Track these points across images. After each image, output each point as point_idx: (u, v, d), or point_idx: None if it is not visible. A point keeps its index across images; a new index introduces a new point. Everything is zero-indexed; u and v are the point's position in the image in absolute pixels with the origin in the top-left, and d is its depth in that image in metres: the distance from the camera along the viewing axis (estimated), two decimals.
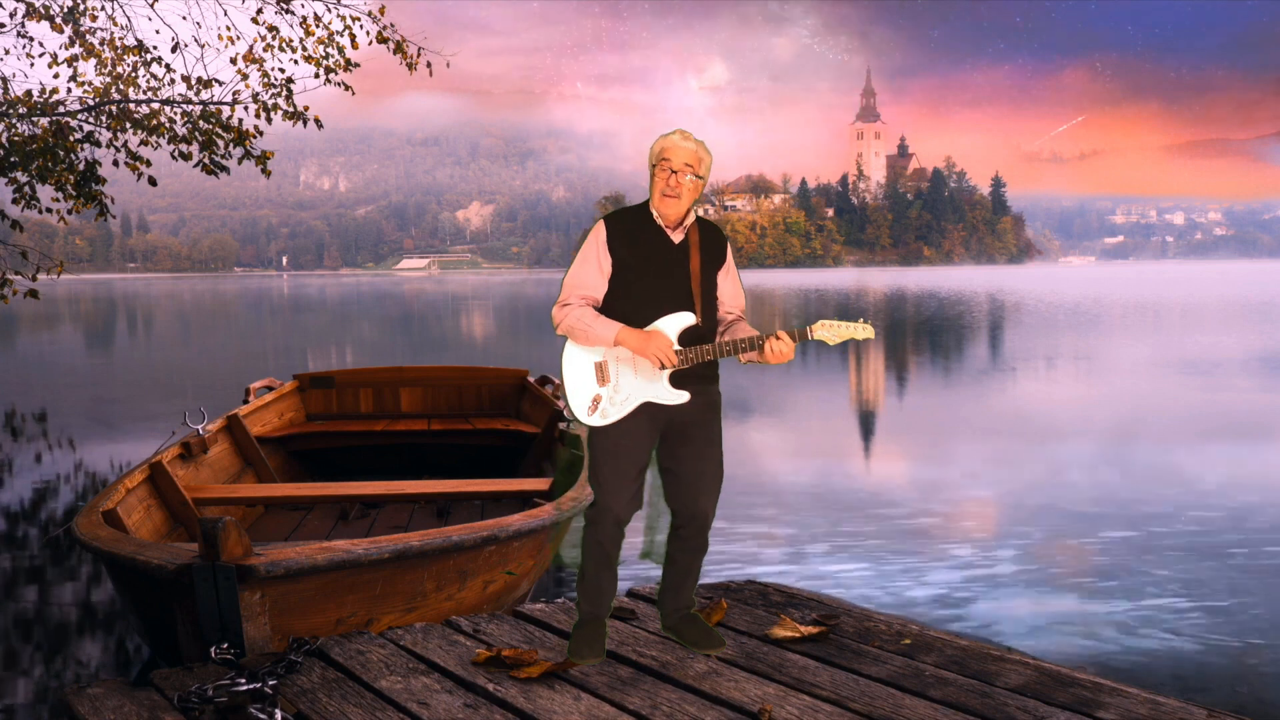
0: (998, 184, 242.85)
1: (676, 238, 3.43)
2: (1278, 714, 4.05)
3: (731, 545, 6.27)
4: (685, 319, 3.39)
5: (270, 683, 3.21)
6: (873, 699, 3.14)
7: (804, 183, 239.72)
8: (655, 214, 3.43)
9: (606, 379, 3.38)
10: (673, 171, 3.36)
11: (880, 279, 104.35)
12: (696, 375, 3.41)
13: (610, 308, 3.41)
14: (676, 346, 3.36)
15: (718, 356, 3.38)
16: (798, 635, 3.66)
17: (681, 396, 3.37)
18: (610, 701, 3.15)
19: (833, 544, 6.39)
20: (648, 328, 3.36)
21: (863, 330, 3.38)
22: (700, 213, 3.54)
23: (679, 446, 3.44)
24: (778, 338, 3.34)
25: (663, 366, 3.34)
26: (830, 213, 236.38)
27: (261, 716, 3.01)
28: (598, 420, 3.38)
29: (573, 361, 3.41)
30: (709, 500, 3.48)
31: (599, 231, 3.43)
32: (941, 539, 6.49)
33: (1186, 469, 8.78)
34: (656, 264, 3.40)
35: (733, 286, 3.54)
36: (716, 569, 5.68)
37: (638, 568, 5.58)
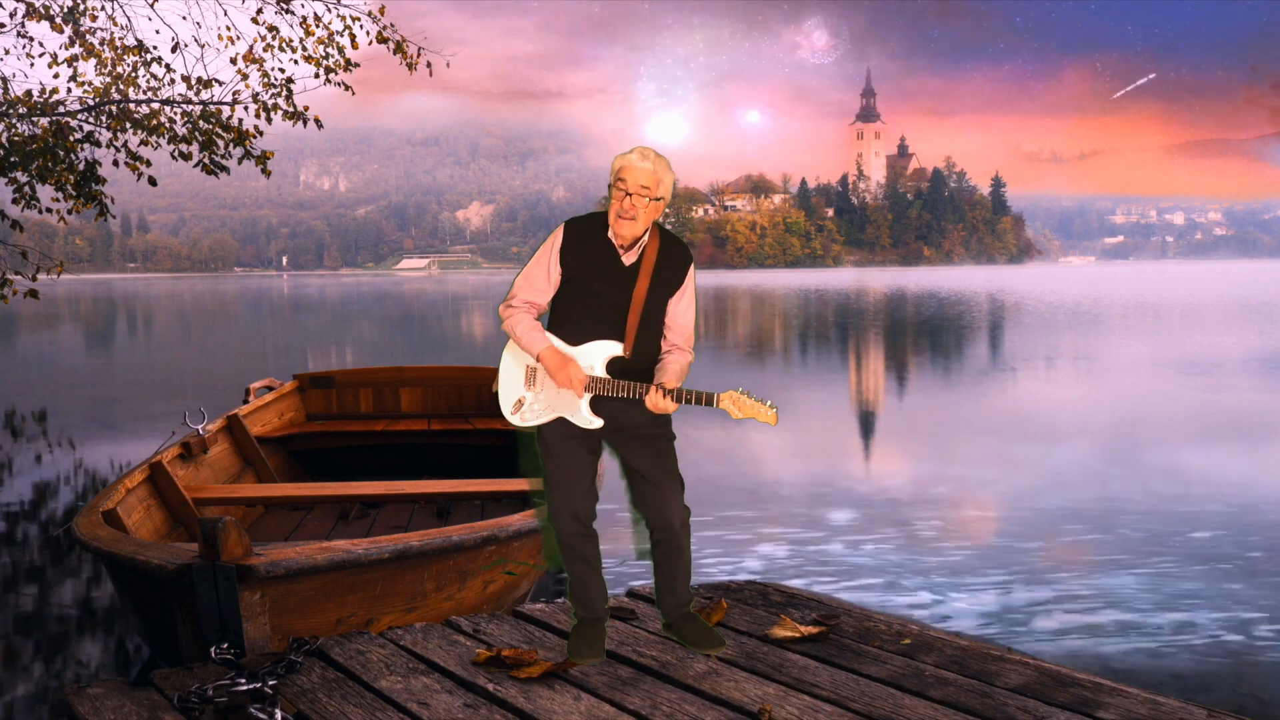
0: (998, 184, 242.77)
1: (628, 259, 3.38)
2: (1278, 714, 4.05)
3: (731, 545, 6.27)
4: (612, 349, 3.37)
5: (270, 683, 3.21)
6: (873, 699, 3.14)
7: (804, 183, 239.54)
8: (611, 232, 3.39)
9: (533, 384, 3.43)
10: (627, 194, 3.30)
11: (880, 279, 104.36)
12: (619, 404, 3.39)
13: (552, 316, 3.44)
14: (601, 375, 3.35)
15: (627, 395, 3.33)
16: (798, 635, 3.66)
17: (594, 423, 3.38)
18: (610, 701, 3.15)
19: (833, 544, 6.38)
20: (576, 349, 3.37)
21: (766, 413, 3.26)
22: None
23: (632, 448, 3.44)
24: (661, 394, 3.26)
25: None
26: (830, 213, 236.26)
27: (261, 716, 3.01)
28: (517, 420, 3.44)
29: (509, 359, 3.49)
30: (675, 504, 3.47)
31: (556, 237, 3.42)
32: (941, 539, 6.49)
33: (1186, 469, 8.78)
34: (600, 285, 3.37)
35: (684, 314, 3.46)
36: (716, 569, 5.68)
37: (638, 568, 5.58)
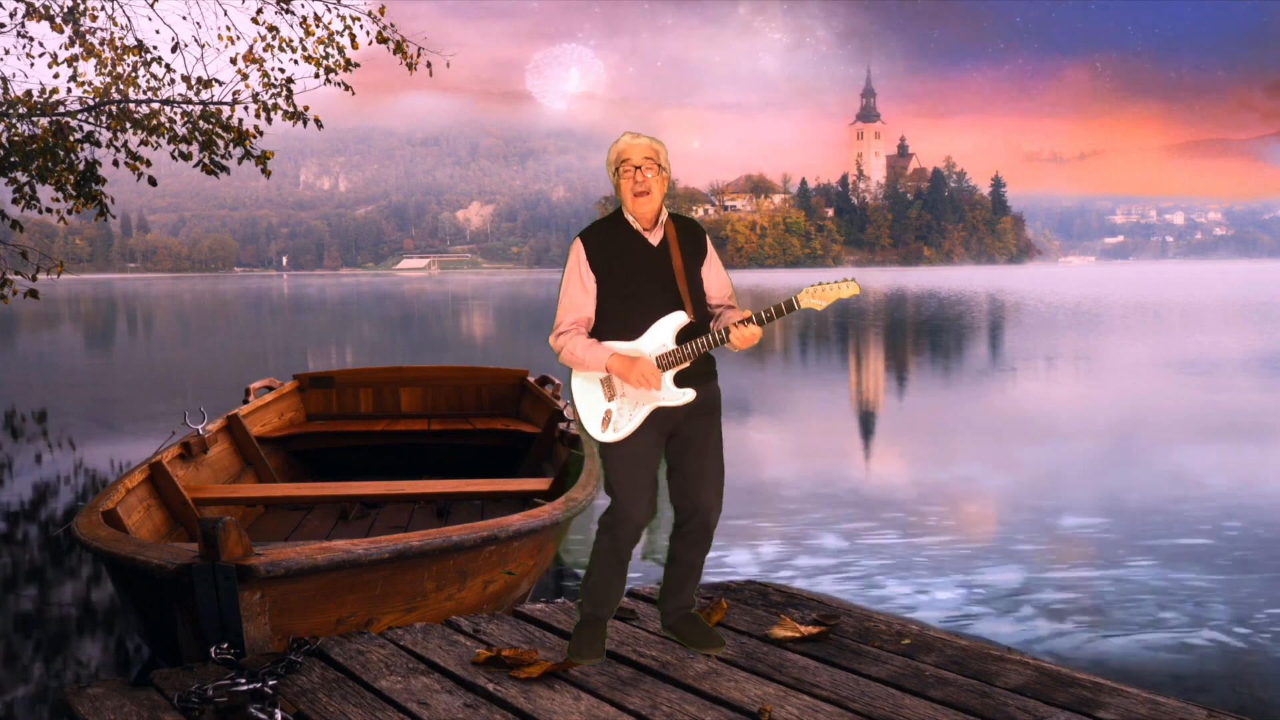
0: (998, 184, 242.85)
1: (654, 239, 3.43)
2: (1278, 714, 4.05)
3: (731, 545, 6.27)
4: (678, 319, 3.39)
5: (270, 683, 3.21)
6: (873, 699, 3.14)
7: (804, 183, 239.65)
8: (630, 219, 3.42)
9: (614, 394, 3.40)
10: (636, 168, 3.36)
11: (880, 279, 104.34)
12: (697, 374, 3.42)
13: (604, 320, 3.42)
14: (671, 346, 3.36)
15: (706, 349, 3.37)
16: (798, 635, 3.66)
17: (687, 395, 3.38)
18: (610, 701, 3.15)
19: (833, 544, 6.39)
20: (642, 338, 3.37)
21: (847, 289, 3.31)
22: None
23: (683, 448, 3.45)
24: (744, 326, 3.31)
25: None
26: (830, 213, 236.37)
27: (261, 716, 3.01)
28: (611, 436, 3.39)
29: (580, 381, 3.45)
30: (713, 495, 3.49)
31: (578, 251, 3.44)
32: (941, 539, 6.49)
33: (1186, 469, 8.78)
34: (640, 269, 3.40)
35: (717, 276, 3.54)
36: (716, 569, 5.68)
37: (637, 568, 5.58)
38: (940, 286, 71.53)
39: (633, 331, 3.39)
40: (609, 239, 3.43)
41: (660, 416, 3.39)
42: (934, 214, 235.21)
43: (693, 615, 3.62)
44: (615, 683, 3.29)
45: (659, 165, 3.39)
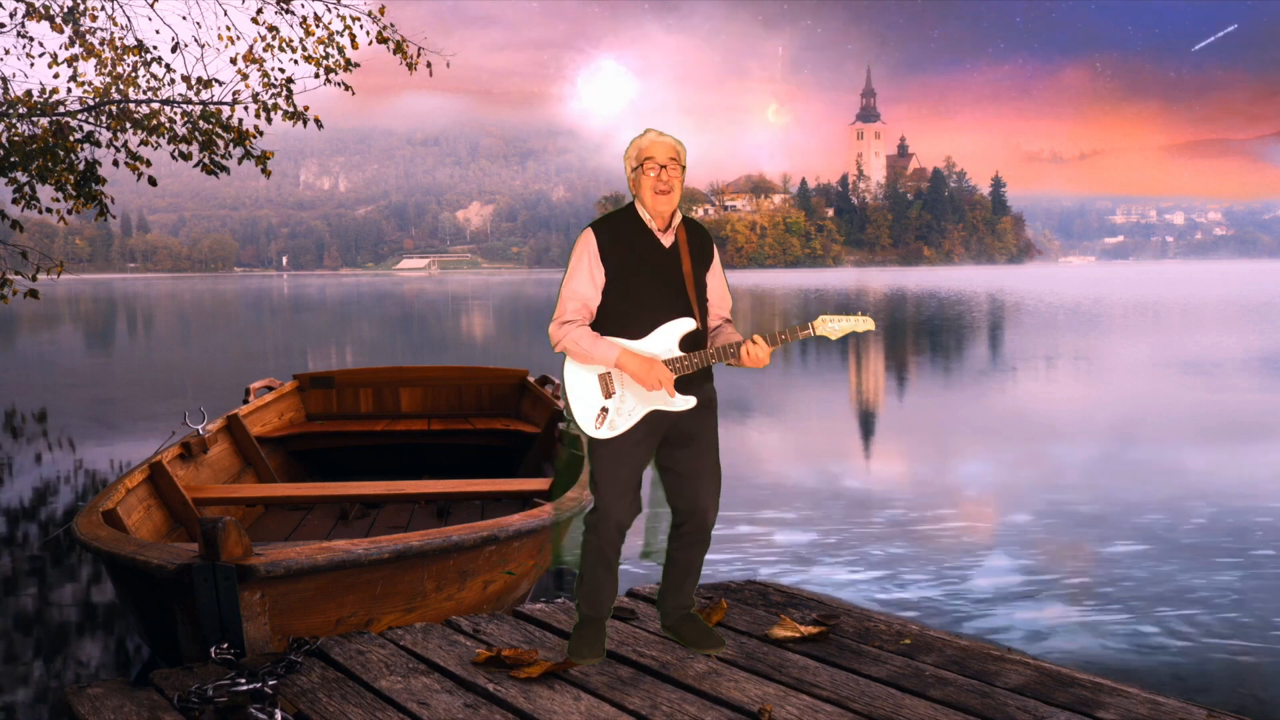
0: (998, 184, 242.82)
1: (667, 240, 3.40)
2: (1278, 714, 4.05)
3: (731, 545, 6.27)
4: (686, 325, 3.38)
5: (270, 683, 3.21)
6: (873, 699, 3.14)
7: (804, 183, 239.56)
8: (645, 216, 3.39)
9: (612, 391, 3.37)
10: (661, 166, 3.34)
11: (880, 279, 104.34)
12: (696, 379, 3.42)
13: (608, 314, 3.38)
14: (678, 353, 3.36)
15: (715, 362, 3.38)
16: (798, 635, 3.66)
17: (689, 402, 3.37)
18: (610, 701, 3.15)
19: (833, 544, 6.38)
20: (647, 339, 3.35)
21: (863, 323, 3.37)
22: (700, 212, 3.55)
23: (678, 448, 3.44)
24: (754, 342, 3.31)
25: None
26: (830, 213, 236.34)
27: (261, 716, 3.01)
28: (605, 433, 3.35)
29: (576, 375, 3.38)
30: (710, 497, 3.48)
31: (588, 241, 3.38)
32: (941, 539, 6.49)
33: (1186, 469, 8.78)
34: (651, 269, 3.38)
35: (718, 287, 3.52)
36: (716, 569, 5.68)
37: (638, 568, 5.58)
38: (940, 286, 71.54)
39: (638, 331, 3.36)
40: (622, 234, 3.39)
41: (656, 419, 3.38)
42: (934, 214, 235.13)
43: (692, 615, 3.62)
44: (615, 683, 3.30)
45: (681, 165, 3.39)
